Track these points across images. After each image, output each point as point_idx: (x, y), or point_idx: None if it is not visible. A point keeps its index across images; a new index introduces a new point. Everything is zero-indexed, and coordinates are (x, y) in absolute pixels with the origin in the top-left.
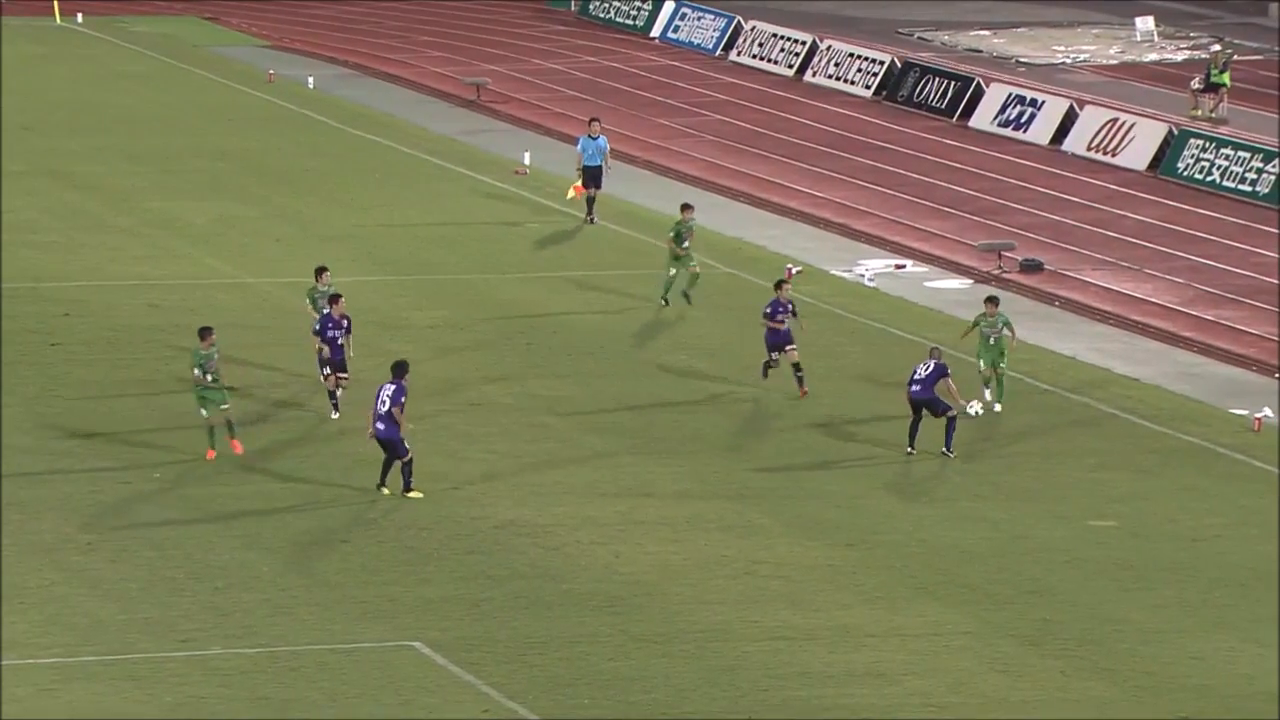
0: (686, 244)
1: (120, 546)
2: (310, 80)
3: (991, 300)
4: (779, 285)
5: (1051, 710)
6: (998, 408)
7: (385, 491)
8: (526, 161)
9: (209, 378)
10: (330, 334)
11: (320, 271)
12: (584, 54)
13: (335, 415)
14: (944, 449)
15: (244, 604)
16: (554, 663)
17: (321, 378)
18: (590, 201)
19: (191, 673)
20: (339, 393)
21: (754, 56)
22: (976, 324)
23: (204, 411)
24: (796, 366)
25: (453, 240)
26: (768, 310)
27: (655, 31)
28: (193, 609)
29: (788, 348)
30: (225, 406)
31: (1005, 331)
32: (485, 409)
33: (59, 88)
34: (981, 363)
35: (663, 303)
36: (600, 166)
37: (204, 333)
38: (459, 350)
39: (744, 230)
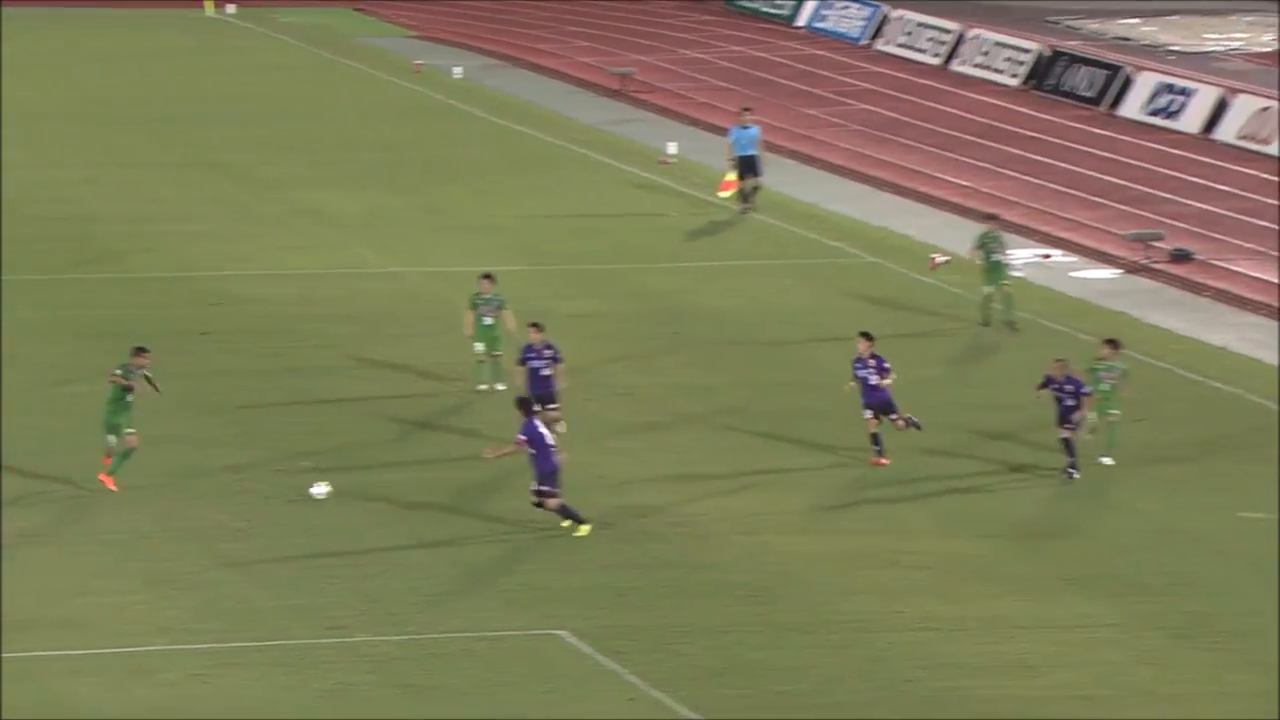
0: (996, 258)
1: (273, 534)
2: (457, 71)
3: (1111, 343)
4: (866, 336)
5: (1203, 704)
6: (1109, 460)
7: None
8: (672, 151)
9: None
10: (533, 363)
11: (483, 278)
12: (730, 44)
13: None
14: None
15: (393, 591)
16: (699, 652)
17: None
18: (747, 191)
19: (340, 659)
20: (559, 428)
21: (901, 46)
22: (1094, 369)
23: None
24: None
25: (598, 230)
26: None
27: (801, 21)
28: (343, 596)
29: (891, 416)
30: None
31: (1117, 380)
32: (630, 398)
33: (210, 79)
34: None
35: (982, 324)
36: (754, 156)
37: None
38: (604, 339)
39: (890, 220)
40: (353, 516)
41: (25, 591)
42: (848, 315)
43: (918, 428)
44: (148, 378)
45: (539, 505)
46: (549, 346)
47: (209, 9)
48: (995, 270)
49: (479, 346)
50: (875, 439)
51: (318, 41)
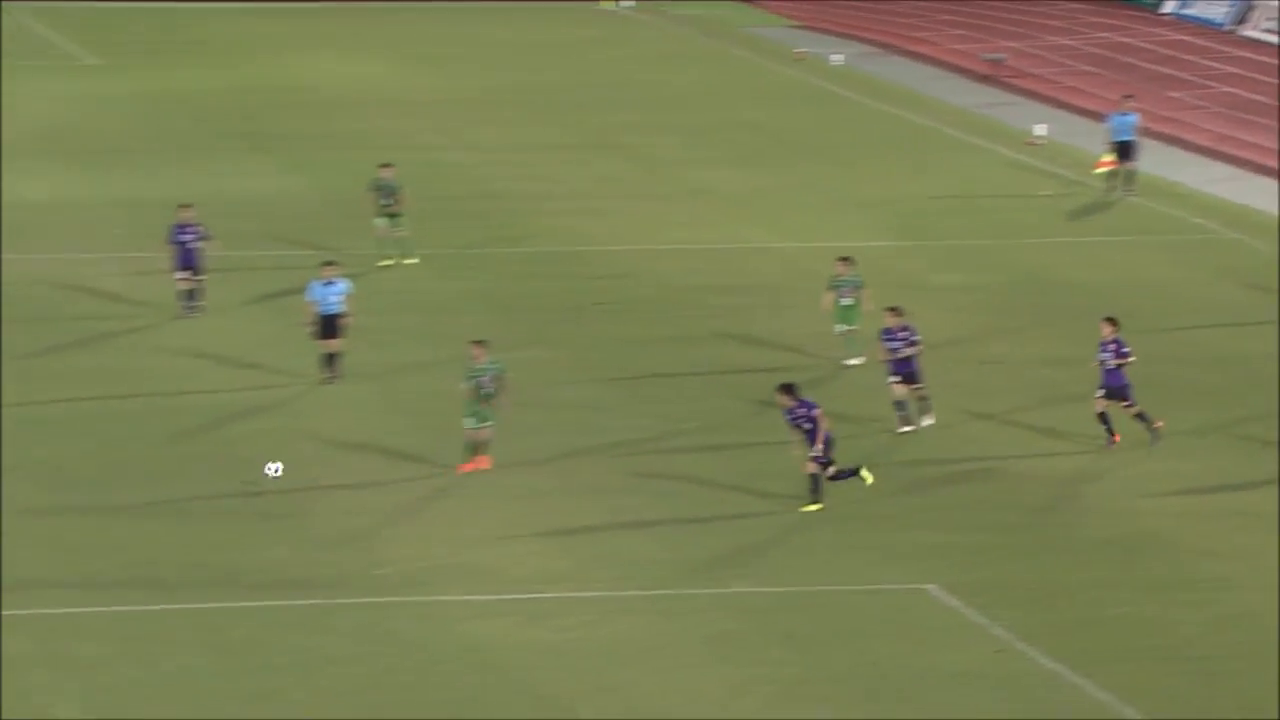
0: None
1: (657, 492)
2: (836, 58)
3: None
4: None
5: None
6: None
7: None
8: (1041, 132)
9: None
10: (892, 344)
11: (841, 260)
12: (1097, 30)
13: (904, 429)
14: None
15: (776, 544)
16: (1066, 607)
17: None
18: (1123, 175)
19: (719, 608)
20: (928, 420)
21: (1266, 31)
22: None
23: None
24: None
25: (968, 207)
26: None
27: (1167, 8)
28: (722, 549)
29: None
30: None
31: None
32: (994, 367)
33: (607, 68)
34: None
35: None
36: (1131, 141)
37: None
38: (971, 311)
39: (1252, 199)
40: (730, 474)
41: (439, 541)
42: (1209, 290)
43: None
44: (496, 373)
45: (820, 473)
46: (905, 329)
47: (607, 4)
48: None
49: (839, 327)
50: (1103, 418)
51: (707, 31)
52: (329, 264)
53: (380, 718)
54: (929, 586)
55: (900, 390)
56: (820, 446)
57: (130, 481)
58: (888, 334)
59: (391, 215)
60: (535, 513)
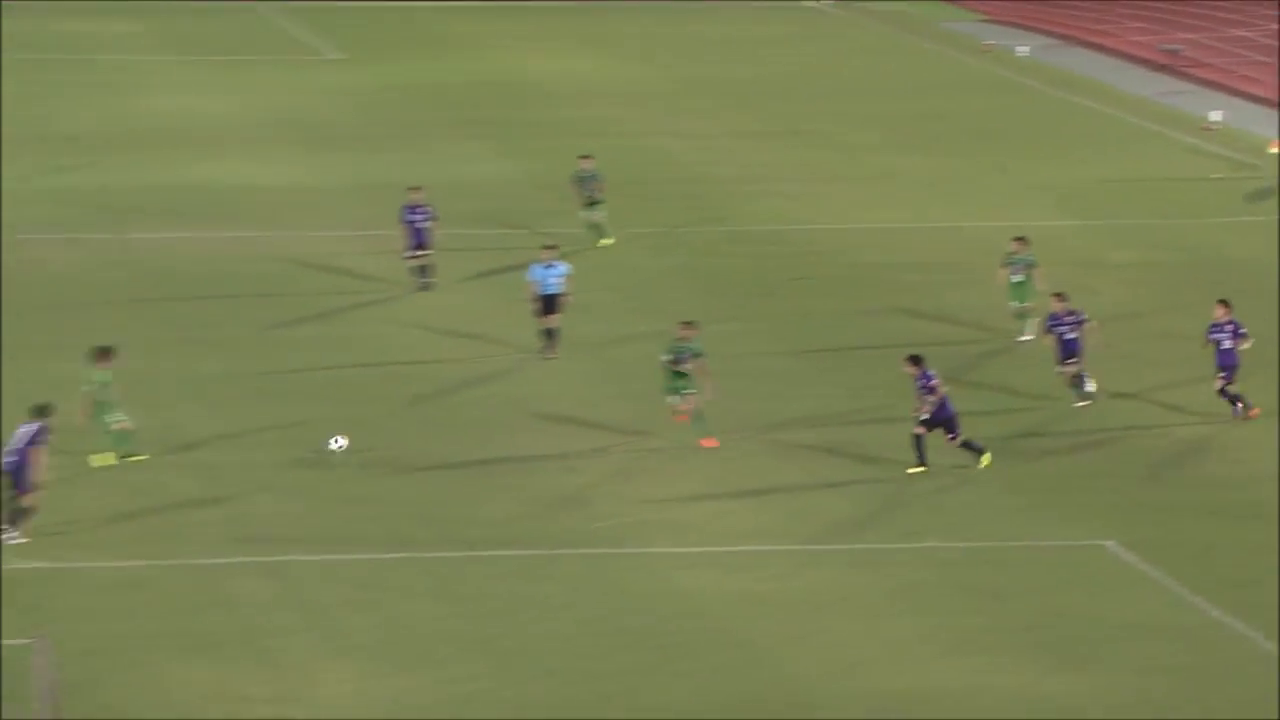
0: None
1: (854, 454)
2: (1022, 49)
3: None
4: (1224, 304)
5: None
6: None
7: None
8: (1216, 118)
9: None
10: (1059, 329)
11: (1015, 240)
12: (1271, 22)
13: (1080, 404)
14: None
15: (960, 502)
16: (1232, 565)
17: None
18: None
19: (910, 561)
20: (1090, 386)
21: None
22: None
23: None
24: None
25: (1144, 189)
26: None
27: None
28: (915, 506)
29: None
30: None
31: None
32: (1167, 339)
33: (805, 60)
34: None
35: None
36: None
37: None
38: (1146, 287)
39: None
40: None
41: (648, 499)
42: None
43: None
44: (694, 352)
45: (924, 434)
46: (1071, 313)
47: (810, 1)
48: None
49: (1013, 303)
50: (1224, 394)
51: (901, 26)
52: (549, 247)
53: (593, 660)
54: (1107, 543)
55: (1070, 370)
56: (926, 413)
57: (367, 442)
58: (1054, 319)
59: (592, 202)
60: (735, 474)
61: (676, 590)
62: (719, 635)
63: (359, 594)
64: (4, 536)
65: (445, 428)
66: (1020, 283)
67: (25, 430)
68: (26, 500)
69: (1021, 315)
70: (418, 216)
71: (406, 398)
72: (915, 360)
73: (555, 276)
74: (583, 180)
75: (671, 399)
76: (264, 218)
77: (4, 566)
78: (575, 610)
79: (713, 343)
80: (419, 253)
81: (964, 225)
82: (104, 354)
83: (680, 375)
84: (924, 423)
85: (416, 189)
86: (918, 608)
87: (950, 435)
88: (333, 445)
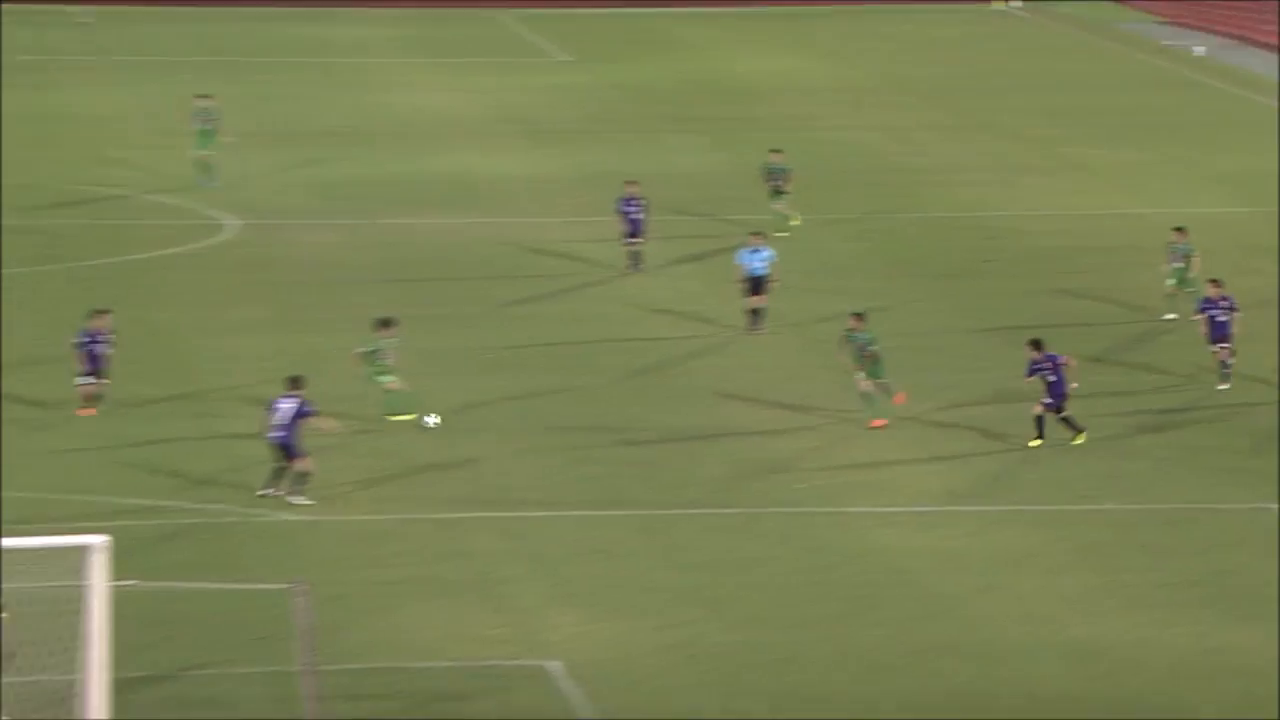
0: None
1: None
2: (1198, 49)
3: None
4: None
5: None
6: None
7: None
8: None
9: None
10: (1211, 312)
11: (1175, 230)
12: None
13: (1223, 386)
14: None
15: (1134, 470)
16: None
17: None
18: None
19: (1088, 522)
20: (1230, 362)
21: None
22: None
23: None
24: None
25: None
26: None
27: None
28: (1092, 472)
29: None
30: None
31: None
32: None
33: (992, 59)
34: None
35: None
36: None
37: (858, 316)
38: None
39: None
40: (1092, 409)
41: (846, 463)
42: None
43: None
44: (866, 340)
45: (1044, 414)
46: (1225, 298)
47: (997, 4)
48: None
49: (1169, 281)
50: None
51: (1083, 27)
52: (756, 234)
53: (795, 608)
54: (1272, 505)
55: (1220, 352)
56: (1051, 396)
57: (591, 410)
58: (1207, 302)
59: (778, 192)
60: (925, 441)
61: (872, 546)
62: (911, 587)
63: (582, 547)
64: (291, 500)
65: (662, 397)
66: (1179, 269)
67: (287, 404)
68: (299, 465)
69: (1173, 296)
70: (632, 208)
71: (626, 370)
72: (1036, 344)
73: (761, 261)
74: (771, 172)
75: (857, 375)
76: (496, 205)
77: (265, 519)
78: (779, 564)
79: (903, 320)
80: (633, 240)
81: (1144, 212)
82: (385, 324)
83: (866, 360)
84: (1046, 406)
85: (633, 183)
86: (1095, 565)
87: (1058, 411)
88: (428, 422)
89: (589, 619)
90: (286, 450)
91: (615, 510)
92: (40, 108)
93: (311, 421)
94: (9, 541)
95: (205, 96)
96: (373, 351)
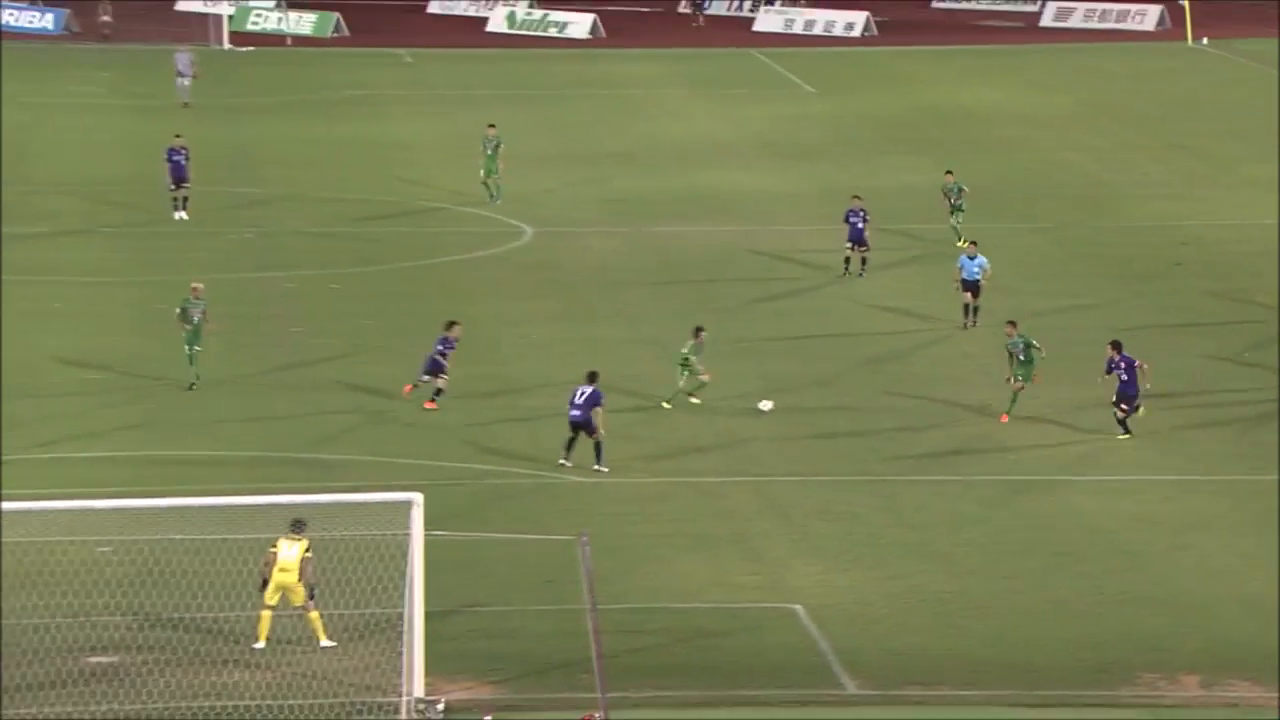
0: None
1: (1213, 403)
2: None
3: None
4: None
5: None
6: None
7: None
8: None
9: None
10: None
11: None
12: None
13: None
14: None
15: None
16: None
17: None
18: None
19: (1267, 492)
20: None
21: None
22: None
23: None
24: None
25: None
26: None
27: None
28: (1265, 448)
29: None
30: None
31: None
32: None
33: (1182, 89)
34: None
35: None
36: None
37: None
38: None
39: None
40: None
41: (1050, 437)
42: None
43: None
44: (1025, 343)
45: (1124, 419)
46: None
47: (1190, 41)
48: None
49: None
50: None
51: (1264, 61)
52: (972, 243)
53: (1007, 561)
54: None
55: None
56: (1120, 394)
57: (832, 392)
58: None
59: (955, 209)
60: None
61: (1075, 510)
62: (1109, 545)
63: (824, 507)
64: (595, 468)
65: (890, 381)
66: None
67: (586, 391)
68: (598, 436)
69: None
70: (856, 218)
71: (860, 358)
72: (1116, 345)
73: (976, 266)
74: (947, 191)
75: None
76: (751, 216)
77: (558, 481)
78: (992, 524)
79: (1100, 315)
80: (855, 248)
81: None
82: (696, 331)
83: (1022, 363)
84: (1115, 401)
85: (857, 197)
86: (1271, 528)
87: (1124, 408)
88: (762, 407)
89: (829, 569)
90: (584, 428)
91: (852, 476)
92: (368, 134)
93: (603, 405)
94: (348, 497)
95: (491, 126)
96: (687, 352)
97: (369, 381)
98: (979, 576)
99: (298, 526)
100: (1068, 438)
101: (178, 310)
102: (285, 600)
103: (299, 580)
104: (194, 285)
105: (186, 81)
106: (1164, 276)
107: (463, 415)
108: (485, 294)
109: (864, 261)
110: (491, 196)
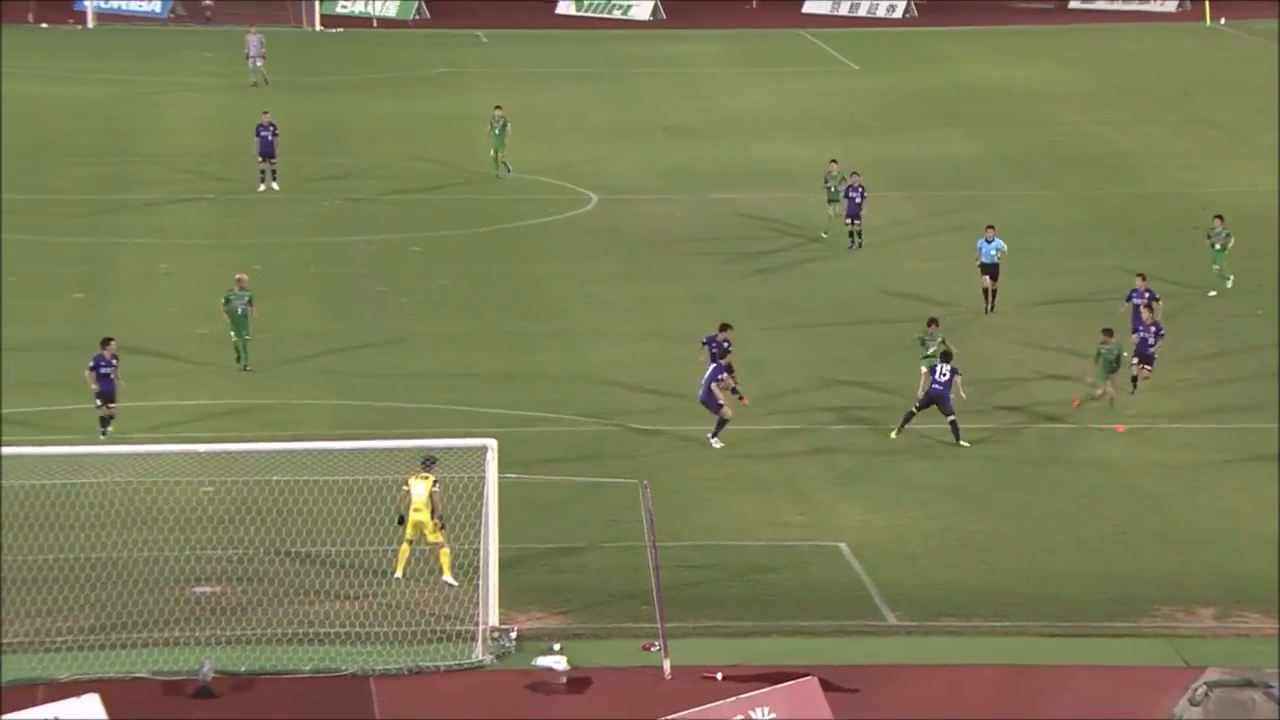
0: None
1: (1232, 358)
2: None
3: None
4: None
5: None
6: None
7: None
8: None
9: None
10: None
11: None
12: None
13: None
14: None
15: None
16: None
17: None
18: None
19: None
20: None
21: None
22: None
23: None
24: None
25: None
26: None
27: None
28: None
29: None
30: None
31: None
32: None
33: (1202, 67)
34: None
35: None
36: None
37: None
38: None
39: None
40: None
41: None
42: None
43: None
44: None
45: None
46: None
47: (1210, 23)
48: None
49: None
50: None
51: (1276, 39)
52: (990, 226)
53: (1035, 503)
54: None
55: None
56: (1142, 355)
57: (867, 348)
58: None
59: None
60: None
61: (1099, 456)
62: (1131, 489)
63: (868, 456)
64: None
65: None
66: None
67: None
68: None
69: None
70: (854, 194)
71: (897, 318)
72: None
73: (994, 249)
74: (839, 188)
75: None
76: (800, 184)
77: (640, 428)
78: (1023, 469)
79: (1122, 277)
80: (850, 222)
81: None
82: (932, 321)
83: (1110, 368)
84: (1135, 359)
85: (855, 173)
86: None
87: (1147, 370)
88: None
89: (871, 510)
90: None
91: (891, 426)
92: (447, 109)
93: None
94: (429, 442)
95: (498, 107)
96: (921, 340)
97: (448, 335)
98: (1009, 517)
99: (428, 464)
100: (1094, 390)
101: (223, 300)
102: (421, 536)
103: (430, 515)
104: (238, 277)
105: (258, 63)
106: (1179, 239)
107: (533, 366)
108: (553, 256)
109: (860, 234)
110: (503, 171)
